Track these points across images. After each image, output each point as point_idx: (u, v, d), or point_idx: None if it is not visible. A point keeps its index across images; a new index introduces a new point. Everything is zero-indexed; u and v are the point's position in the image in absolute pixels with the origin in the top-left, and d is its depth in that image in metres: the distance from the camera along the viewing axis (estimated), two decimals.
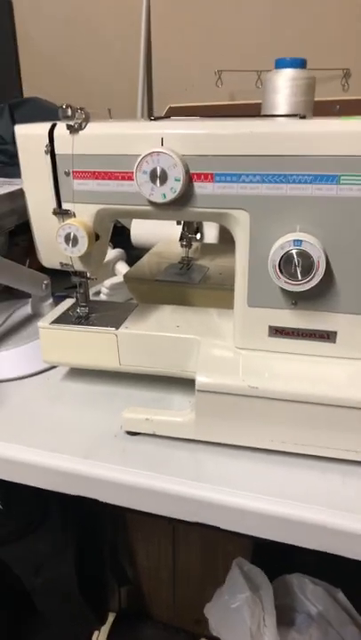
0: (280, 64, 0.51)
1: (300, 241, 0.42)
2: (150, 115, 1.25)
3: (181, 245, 0.71)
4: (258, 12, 1.12)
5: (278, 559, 0.83)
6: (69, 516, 0.82)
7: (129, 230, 0.86)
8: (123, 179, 0.45)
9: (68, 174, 0.47)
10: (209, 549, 0.91)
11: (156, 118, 0.46)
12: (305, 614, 0.84)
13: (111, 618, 1.00)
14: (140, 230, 0.85)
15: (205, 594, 0.86)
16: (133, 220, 0.85)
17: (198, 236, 0.70)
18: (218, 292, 0.63)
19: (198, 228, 0.72)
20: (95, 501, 0.47)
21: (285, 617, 0.83)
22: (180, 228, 0.70)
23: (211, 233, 0.80)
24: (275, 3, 1.11)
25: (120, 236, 0.87)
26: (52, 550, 0.80)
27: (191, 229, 0.70)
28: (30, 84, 1.40)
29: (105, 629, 0.99)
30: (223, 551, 0.88)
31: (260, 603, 0.79)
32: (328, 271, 0.43)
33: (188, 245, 0.71)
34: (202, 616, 0.85)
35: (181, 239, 0.70)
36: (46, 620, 0.87)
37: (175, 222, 0.71)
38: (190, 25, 1.18)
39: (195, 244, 0.77)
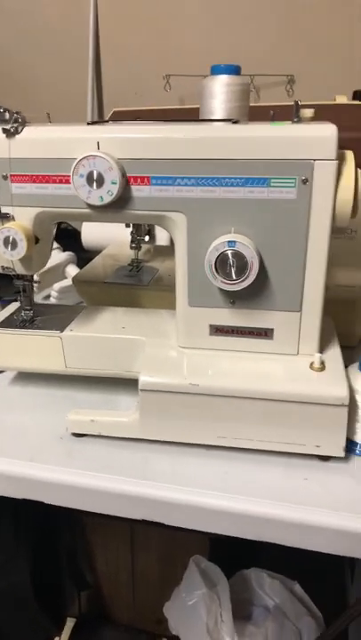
0: (215, 70, 0.52)
1: (234, 242, 0.43)
2: (101, 119, 1.25)
3: (131, 247, 0.72)
4: (205, 17, 1.14)
5: (237, 555, 0.85)
6: (22, 524, 0.81)
7: (80, 233, 0.86)
8: (60, 182, 0.46)
9: (5, 178, 0.47)
10: (167, 549, 0.92)
11: (94, 122, 0.47)
12: (262, 608, 0.86)
13: (71, 623, 0.99)
14: (90, 233, 0.85)
15: (165, 593, 0.86)
16: (84, 223, 0.85)
17: (147, 238, 0.71)
18: (167, 294, 0.63)
19: (150, 231, 0.72)
20: (50, 506, 0.47)
21: (243, 611, 0.84)
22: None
23: (163, 235, 0.81)
24: (223, 9, 1.13)
25: (71, 238, 0.87)
26: (4, 558, 0.79)
27: (140, 232, 0.70)
28: None
29: (65, 634, 0.98)
30: (181, 550, 0.89)
31: (217, 598, 0.80)
32: (262, 271, 0.45)
33: (138, 248, 0.72)
34: (162, 616, 0.86)
35: (132, 241, 0.71)
36: (1, 628, 0.85)
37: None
38: (138, 29, 1.19)
39: (147, 247, 0.77)
